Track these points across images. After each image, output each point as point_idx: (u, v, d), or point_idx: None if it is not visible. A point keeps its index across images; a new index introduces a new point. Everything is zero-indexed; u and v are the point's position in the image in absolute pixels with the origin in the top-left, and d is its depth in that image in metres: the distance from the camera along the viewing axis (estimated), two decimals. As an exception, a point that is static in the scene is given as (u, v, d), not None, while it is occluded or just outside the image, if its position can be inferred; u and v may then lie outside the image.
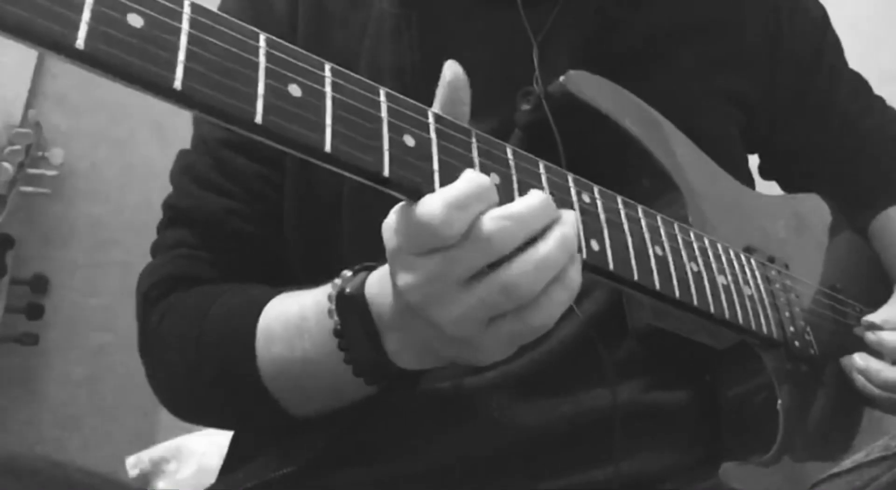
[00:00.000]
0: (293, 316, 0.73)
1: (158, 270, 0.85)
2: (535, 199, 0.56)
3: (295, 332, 0.72)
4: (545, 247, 0.55)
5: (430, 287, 0.55)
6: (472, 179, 0.54)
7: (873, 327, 0.86)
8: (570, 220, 0.57)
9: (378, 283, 0.64)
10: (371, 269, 0.66)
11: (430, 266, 0.54)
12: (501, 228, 0.54)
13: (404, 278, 0.56)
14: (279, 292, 0.77)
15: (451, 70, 0.59)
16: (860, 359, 0.85)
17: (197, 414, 0.86)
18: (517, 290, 0.55)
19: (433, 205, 0.53)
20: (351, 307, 0.66)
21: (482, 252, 0.54)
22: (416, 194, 0.55)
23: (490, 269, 0.55)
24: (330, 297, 0.67)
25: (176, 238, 0.85)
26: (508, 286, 0.54)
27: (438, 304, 0.55)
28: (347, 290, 0.66)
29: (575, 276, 0.57)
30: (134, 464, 1.62)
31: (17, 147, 1.90)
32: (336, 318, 0.67)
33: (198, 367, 0.79)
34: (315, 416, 0.77)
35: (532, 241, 0.55)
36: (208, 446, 1.56)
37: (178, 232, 0.85)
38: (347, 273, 0.68)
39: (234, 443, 0.88)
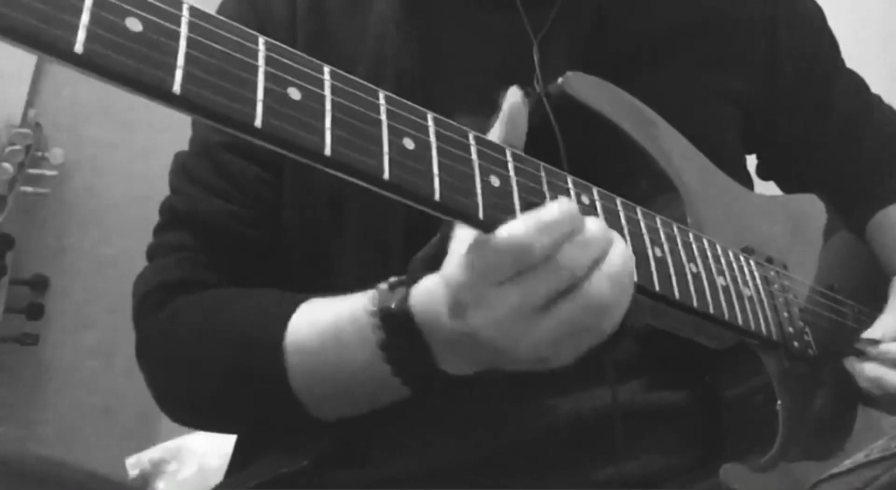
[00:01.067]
0: (328, 326, 0.72)
1: (158, 274, 0.84)
2: (599, 223, 0.58)
3: (332, 343, 0.72)
4: (616, 261, 0.58)
5: (509, 321, 0.56)
6: (565, 205, 0.56)
7: (873, 343, 0.86)
8: (619, 238, 0.60)
9: (425, 300, 0.64)
10: (409, 282, 0.66)
11: (508, 299, 0.56)
12: (578, 255, 0.56)
13: (479, 315, 0.57)
14: (303, 299, 0.76)
15: (514, 96, 0.61)
16: (871, 368, 0.85)
17: (199, 417, 0.86)
18: (598, 307, 0.57)
19: (520, 227, 0.55)
20: (397, 323, 0.65)
21: (561, 278, 0.56)
22: (425, 202, 0.55)
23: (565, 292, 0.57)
24: (372, 313, 0.67)
25: (175, 241, 0.85)
26: (592, 303, 0.56)
27: (514, 336, 0.57)
28: (393, 305, 0.66)
29: (630, 279, 0.60)
30: (134, 464, 1.61)
31: (17, 147, 1.90)
32: (381, 334, 0.66)
33: (210, 373, 0.78)
34: (334, 419, 0.77)
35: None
36: (208, 447, 1.56)
37: (177, 235, 0.85)
38: (384, 286, 0.67)
39: (239, 443, 0.88)
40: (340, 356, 0.71)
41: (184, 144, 0.90)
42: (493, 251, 0.55)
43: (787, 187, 1.08)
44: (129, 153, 2.18)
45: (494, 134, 0.61)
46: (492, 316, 0.56)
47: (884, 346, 0.85)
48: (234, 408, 0.80)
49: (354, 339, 0.69)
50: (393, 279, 0.67)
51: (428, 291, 0.64)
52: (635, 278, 0.62)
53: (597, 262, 0.57)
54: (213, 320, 0.79)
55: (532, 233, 0.54)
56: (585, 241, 0.56)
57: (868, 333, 0.87)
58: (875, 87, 1.09)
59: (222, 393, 0.79)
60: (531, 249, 0.54)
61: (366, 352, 0.68)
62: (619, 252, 0.58)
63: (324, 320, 0.73)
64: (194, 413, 0.85)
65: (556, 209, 0.56)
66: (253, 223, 0.83)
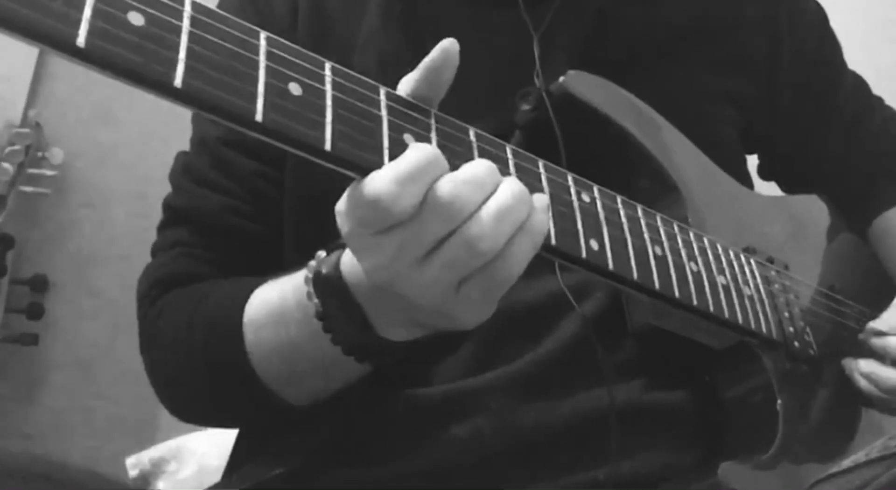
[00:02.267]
0: (275, 302, 0.73)
1: (157, 270, 0.85)
2: (483, 164, 0.56)
3: (279, 319, 0.72)
4: (501, 197, 0.55)
5: (396, 264, 0.54)
6: (420, 151, 0.53)
7: (879, 334, 0.86)
8: (514, 180, 0.57)
9: (353, 261, 0.63)
10: (343, 245, 0.65)
11: (392, 244, 0.54)
12: (459, 193, 0.53)
13: (368, 260, 0.56)
14: (265, 280, 0.76)
15: (446, 51, 0.58)
16: (866, 364, 0.85)
17: (194, 411, 0.86)
18: (480, 245, 0.54)
19: (381, 181, 0.52)
20: (329, 289, 0.64)
21: (443, 219, 0.53)
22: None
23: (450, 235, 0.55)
24: (307, 280, 0.66)
25: (174, 237, 0.85)
26: (471, 242, 0.54)
27: (406, 278, 0.55)
28: (324, 271, 0.65)
29: (537, 223, 0.57)
30: (134, 464, 1.61)
31: (17, 147, 1.91)
32: (316, 300, 0.65)
33: (190, 361, 0.79)
34: (313, 404, 0.77)
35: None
36: (208, 446, 1.56)
37: (176, 231, 0.86)
38: (322, 254, 0.66)
39: (237, 443, 0.88)
40: (287, 328, 0.71)
41: (183, 144, 0.90)
42: (361, 204, 0.53)
43: (788, 187, 1.08)
44: (128, 153, 2.18)
45: (404, 85, 0.58)
46: (378, 261, 0.55)
47: (890, 339, 0.85)
48: (217, 398, 0.81)
49: (296, 310, 0.69)
50: (332, 244, 0.66)
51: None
52: (542, 222, 0.57)
53: (480, 202, 0.55)
54: (191, 312, 0.79)
55: (392, 187, 0.52)
56: (467, 179, 0.54)
57: (875, 323, 0.87)
58: (875, 88, 1.09)
59: (203, 384, 0.79)
60: (396, 200, 0.52)
61: (307, 322, 0.67)
62: (507, 189, 0.55)
63: (272, 295, 0.74)
64: (187, 406, 0.85)
65: (412, 157, 0.53)
66: (251, 217, 0.84)
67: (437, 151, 0.54)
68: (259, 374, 0.74)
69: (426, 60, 0.58)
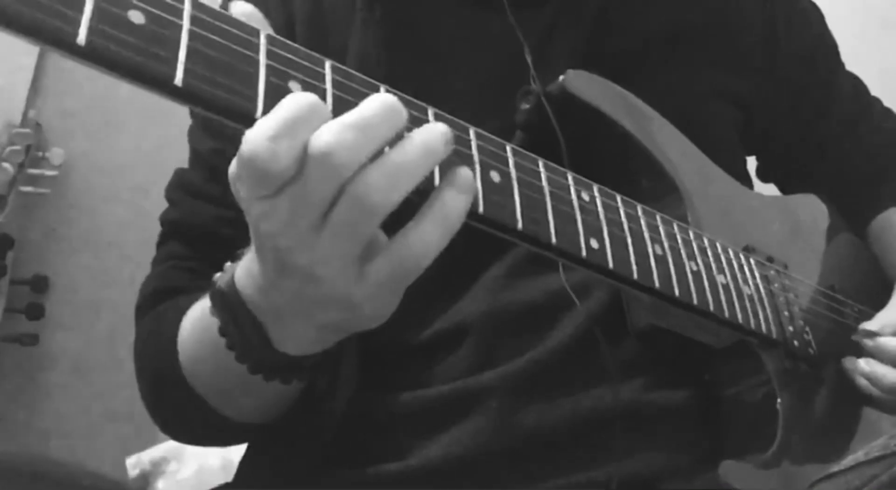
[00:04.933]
0: (195, 317, 0.72)
1: (150, 284, 0.86)
2: (375, 102, 0.49)
3: (200, 335, 0.70)
4: (399, 151, 0.49)
5: (291, 231, 0.49)
6: (293, 100, 0.48)
7: (871, 335, 0.86)
8: (436, 128, 0.51)
9: (247, 270, 0.58)
10: (241, 257, 0.60)
11: (283, 205, 0.48)
12: (340, 142, 0.47)
13: (265, 226, 0.50)
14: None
15: (241, 8, 0.52)
16: (865, 364, 0.85)
17: (168, 426, 0.86)
18: (368, 200, 0.48)
19: (254, 139, 0.47)
20: (225, 303, 0.60)
21: (328, 173, 0.47)
22: None
23: None
24: (209, 296, 0.62)
25: (168, 251, 0.86)
26: (359, 197, 0.48)
27: (305, 245, 0.50)
28: (219, 285, 0.60)
29: (449, 205, 0.51)
30: (134, 464, 1.62)
31: (17, 147, 1.90)
32: (217, 316, 0.61)
33: (148, 376, 0.80)
34: (254, 421, 0.77)
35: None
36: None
37: (170, 245, 0.87)
38: (228, 264, 0.62)
39: (248, 450, 0.88)
40: (202, 345, 0.70)
41: (183, 143, 0.90)
42: (242, 165, 0.48)
43: (786, 189, 1.08)
44: (129, 153, 2.18)
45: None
46: (275, 226, 0.49)
47: (881, 340, 0.85)
48: (172, 413, 0.82)
49: (207, 326, 0.66)
50: (235, 254, 0.62)
51: (249, 259, 0.58)
52: (457, 201, 0.52)
53: (371, 152, 0.48)
54: (158, 327, 0.80)
55: (265, 142, 0.46)
56: (349, 123, 0.48)
57: (867, 324, 0.87)
58: (873, 88, 1.09)
59: (154, 396, 0.81)
60: (273, 157, 0.46)
61: (213, 339, 0.63)
62: (417, 141, 0.49)
63: (194, 312, 0.72)
64: (161, 420, 0.85)
65: (285, 106, 0.47)
66: (245, 227, 0.83)
67: (315, 99, 0.48)
68: (197, 391, 0.74)
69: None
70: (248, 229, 0.82)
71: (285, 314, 0.57)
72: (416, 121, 0.53)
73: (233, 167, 0.50)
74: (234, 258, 0.61)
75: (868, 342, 0.85)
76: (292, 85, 0.51)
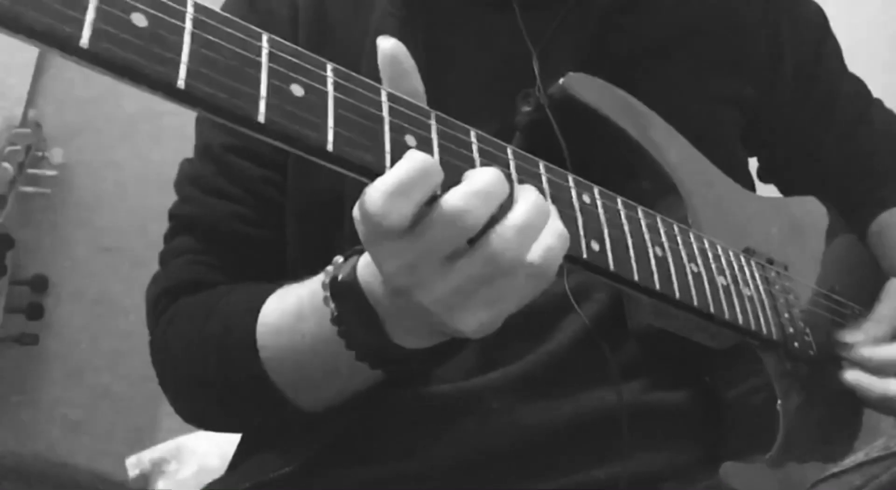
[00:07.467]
0: (291, 307, 0.73)
1: (166, 279, 0.85)
2: (490, 173, 0.55)
3: (295, 324, 0.72)
4: (522, 210, 0.56)
5: (414, 270, 0.54)
6: (412, 161, 0.52)
7: (847, 348, 0.85)
8: (531, 188, 0.58)
9: (370, 266, 0.63)
10: (361, 251, 0.65)
11: (409, 250, 0.54)
12: (469, 205, 0.53)
13: (387, 265, 0.55)
14: (280, 286, 0.76)
15: (389, 43, 0.57)
16: (850, 375, 0.84)
17: (208, 418, 0.86)
18: (502, 259, 0.54)
19: (373, 196, 0.52)
20: (346, 293, 0.64)
21: (455, 232, 0.53)
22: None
23: (470, 244, 0.55)
24: (324, 285, 0.66)
25: (182, 246, 0.86)
26: (494, 257, 0.54)
27: (425, 286, 0.55)
28: (340, 276, 0.64)
29: (560, 227, 0.57)
30: (134, 464, 1.61)
31: (17, 147, 1.90)
32: (332, 305, 0.65)
33: (203, 369, 0.78)
34: (326, 409, 0.77)
35: (501, 209, 0.55)
36: (208, 446, 1.56)
37: (183, 240, 0.86)
38: (339, 259, 0.66)
39: (241, 442, 0.88)
40: (303, 334, 0.71)
41: (183, 144, 0.90)
42: (361, 218, 0.53)
43: (787, 190, 1.08)
44: (128, 153, 2.18)
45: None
46: (397, 266, 0.55)
47: (866, 352, 0.84)
48: (231, 405, 0.81)
49: (312, 315, 0.69)
50: (350, 250, 0.66)
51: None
52: (557, 234, 0.57)
53: (491, 213, 0.55)
54: (202, 319, 0.79)
55: (380, 202, 0.51)
56: (476, 191, 0.54)
57: (848, 337, 0.86)
58: (875, 89, 1.09)
59: (216, 391, 0.79)
60: (386, 216, 0.51)
61: (322, 327, 0.67)
62: (530, 200, 0.56)
63: (289, 300, 0.74)
64: (203, 414, 0.85)
65: (402, 169, 0.52)
66: (258, 223, 0.84)
67: (429, 160, 0.53)
68: (273, 380, 0.74)
69: (379, 63, 0.57)
70: (261, 224, 0.83)
71: (403, 318, 0.63)
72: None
73: (355, 211, 0.54)
74: (353, 253, 0.65)
75: (851, 356, 0.85)
76: (294, 88, 0.51)
